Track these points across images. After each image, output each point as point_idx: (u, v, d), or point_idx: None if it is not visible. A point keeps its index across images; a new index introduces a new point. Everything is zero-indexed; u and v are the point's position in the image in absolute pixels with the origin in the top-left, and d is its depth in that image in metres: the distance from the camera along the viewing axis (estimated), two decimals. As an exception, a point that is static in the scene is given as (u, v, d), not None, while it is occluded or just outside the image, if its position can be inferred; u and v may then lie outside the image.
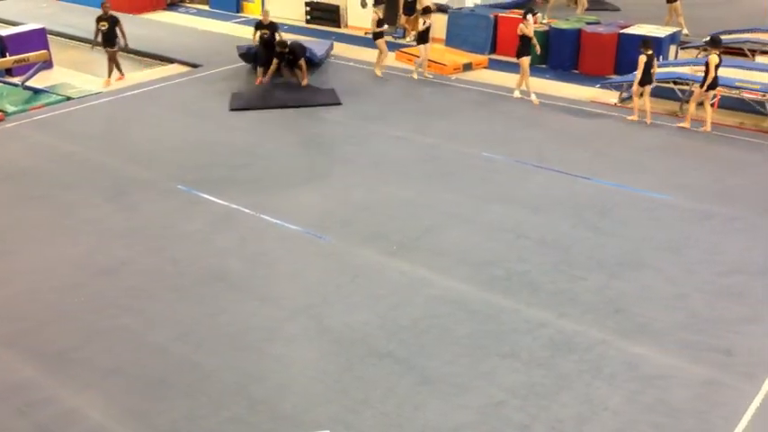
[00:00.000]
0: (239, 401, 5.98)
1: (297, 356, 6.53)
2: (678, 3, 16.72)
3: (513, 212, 9.13)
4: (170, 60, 16.20)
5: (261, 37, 14.06)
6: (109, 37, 14.13)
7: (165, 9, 21.78)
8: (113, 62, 14.40)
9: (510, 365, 6.37)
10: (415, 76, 14.56)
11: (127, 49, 14.85)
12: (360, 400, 5.98)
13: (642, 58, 11.78)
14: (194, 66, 15.70)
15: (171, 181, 10.05)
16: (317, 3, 19.60)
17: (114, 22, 14.11)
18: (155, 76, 15.12)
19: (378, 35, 14.69)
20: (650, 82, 11.98)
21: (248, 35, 15.30)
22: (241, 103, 13.23)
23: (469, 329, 6.87)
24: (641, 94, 12.07)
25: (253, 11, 20.88)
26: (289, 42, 14.09)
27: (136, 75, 15.20)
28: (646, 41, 12.10)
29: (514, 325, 6.93)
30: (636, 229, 8.68)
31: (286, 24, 19.58)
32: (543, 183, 9.99)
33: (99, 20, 14.13)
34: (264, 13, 14.54)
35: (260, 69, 14.17)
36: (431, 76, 14.66)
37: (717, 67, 11.21)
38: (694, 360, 6.41)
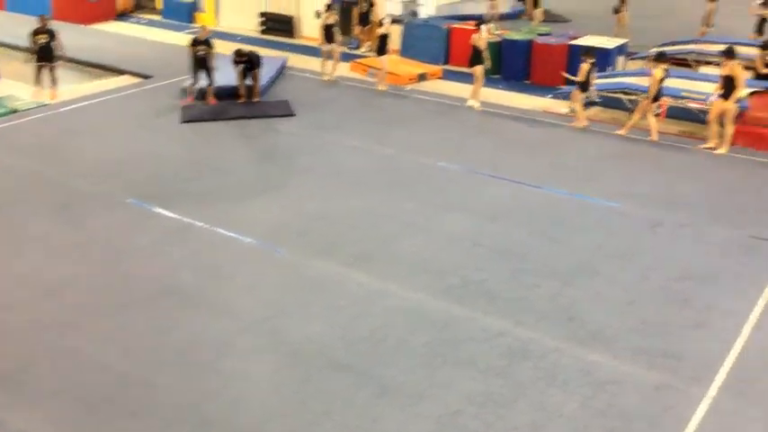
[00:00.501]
0: (191, 420, 5.88)
1: (252, 370, 6.47)
2: (624, 14, 17.11)
3: (468, 221, 9.20)
4: (120, 71, 15.94)
5: (195, 54, 13.23)
6: (47, 50, 13.67)
7: (115, 20, 21.46)
8: (52, 74, 13.97)
9: (467, 374, 6.41)
10: (381, 87, 14.59)
11: (67, 60, 14.51)
12: (318, 412, 5.95)
13: (585, 66, 12.09)
14: (145, 77, 15.48)
15: (121, 195, 9.88)
16: (272, 13, 19.55)
17: (53, 35, 13.74)
18: (104, 87, 14.86)
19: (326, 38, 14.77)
20: (587, 90, 12.40)
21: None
22: (193, 115, 13.08)
23: (427, 339, 6.89)
24: (578, 100, 12.49)
25: (206, 21, 20.70)
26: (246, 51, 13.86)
27: (84, 86, 14.93)
28: (588, 50, 12.45)
29: (471, 333, 6.97)
30: (588, 237, 8.83)
31: (240, 35, 19.52)
32: (498, 192, 10.10)
33: (36, 33, 13.57)
34: (203, 28, 13.79)
35: (190, 88, 13.56)
36: (386, 88, 14.72)
37: (661, 80, 11.51)
38: (645, 365, 6.53)
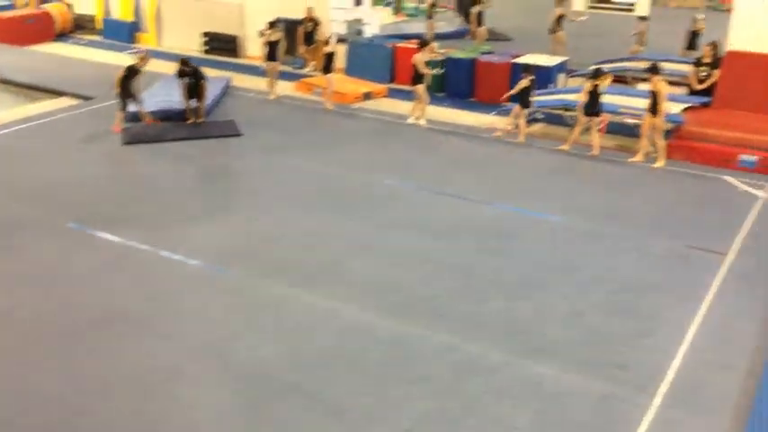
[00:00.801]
0: (142, 446, 5.76)
1: (202, 396, 6.36)
2: (560, 33, 17.57)
3: (416, 239, 9.26)
4: (59, 93, 15.62)
5: (123, 77, 12.89)
6: None
7: (53, 41, 21.03)
8: None
9: (417, 391, 6.42)
10: (329, 107, 14.62)
11: (4, 82, 14.16)
12: (268, 436, 5.88)
13: (524, 82, 12.41)
14: (86, 98, 15.20)
15: (61, 219, 9.64)
16: (215, 33, 19.42)
17: None
18: (42, 109, 14.54)
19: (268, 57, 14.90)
20: (528, 106, 12.71)
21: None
22: (135, 137, 12.87)
23: (378, 358, 6.89)
24: (518, 116, 12.79)
25: (147, 41, 20.48)
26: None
27: (22, 109, 14.58)
28: (527, 68, 12.79)
29: (421, 351, 7.00)
30: (534, 251, 8.97)
31: (183, 55, 19.32)
32: (444, 208, 10.20)
33: None
34: (141, 59, 13.30)
35: (118, 114, 13.12)
36: (333, 107, 14.76)
37: (592, 93, 11.83)
38: (592, 376, 6.65)
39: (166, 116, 13.57)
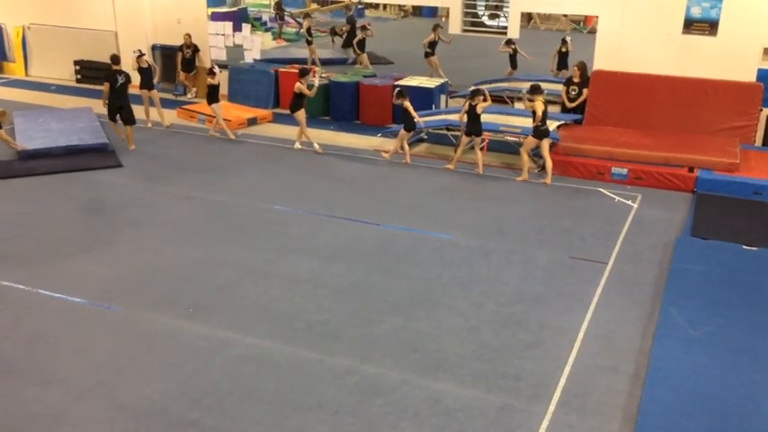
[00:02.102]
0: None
1: (90, 440, 6.02)
2: (434, 57, 18.10)
3: (308, 263, 9.19)
4: None
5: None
6: None
7: None
8: None
9: (317, 417, 6.33)
10: (232, 136, 14.35)
11: None
12: (164, 477, 5.62)
13: (408, 105, 12.70)
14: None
15: (-74, 261, 8.96)
16: (88, 61, 18.69)
17: None
18: None
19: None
20: (412, 128, 13.05)
21: (11, 97, 14.19)
22: (6, 171, 12.16)
23: (274, 386, 6.75)
24: (403, 137, 13.12)
25: (14, 71, 19.48)
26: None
27: None
28: (401, 91, 13.08)
29: (319, 375, 6.92)
30: (425, 269, 9.09)
31: (54, 84, 18.51)
32: (335, 231, 10.18)
33: None
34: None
35: None
36: (217, 134, 14.51)
37: (471, 113, 12.23)
38: (488, 389, 6.78)
39: (48, 153, 12.88)
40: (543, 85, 12.79)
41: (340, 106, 15.91)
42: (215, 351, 7.28)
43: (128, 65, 14.79)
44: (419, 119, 13.01)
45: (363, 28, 19.77)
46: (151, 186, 11.73)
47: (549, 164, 12.12)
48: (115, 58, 13.82)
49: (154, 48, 17.83)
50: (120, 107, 13.51)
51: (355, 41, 19.54)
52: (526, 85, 15.97)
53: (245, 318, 7.91)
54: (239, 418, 6.29)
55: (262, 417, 6.32)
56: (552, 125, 12.86)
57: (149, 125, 14.90)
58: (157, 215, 10.64)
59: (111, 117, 13.72)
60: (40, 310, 8.00)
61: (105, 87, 13.50)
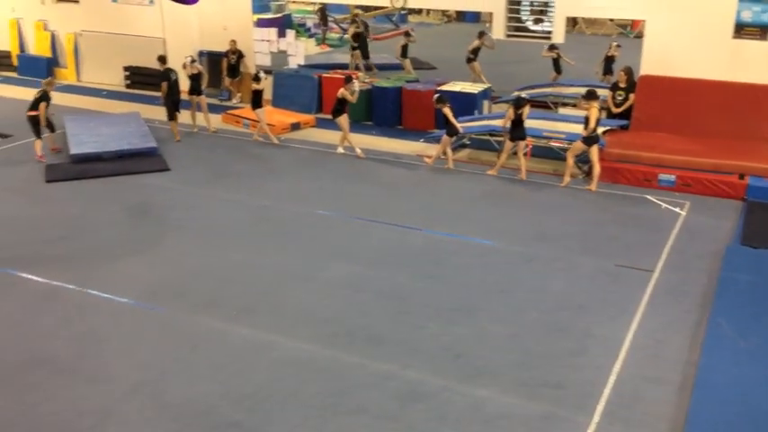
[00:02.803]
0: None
1: (135, 439, 6.13)
2: (476, 63, 18.03)
3: (350, 268, 9.22)
4: (-25, 131, 15.04)
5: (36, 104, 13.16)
6: None
7: (-35, 77, 20.30)
8: None
9: (358, 421, 6.34)
10: (275, 140, 14.53)
11: None
12: (207, 477, 5.70)
13: (447, 110, 12.70)
14: (4, 136, 14.68)
15: (-19, 261, 9.23)
16: (137, 67, 19.07)
17: None
18: (-43, 148, 13.97)
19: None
20: (455, 133, 13.01)
21: (63, 102, 14.55)
22: (58, 174, 12.48)
23: (316, 389, 6.78)
24: (446, 143, 13.09)
25: (66, 76, 19.97)
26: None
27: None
28: (440, 97, 13.15)
29: (361, 380, 6.93)
30: (467, 275, 9.05)
31: (104, 90, 18.93)
32: (377, 236, 10.20)
33: None
34: (49, 79, 14.09)
35: (37, 142, 13.28)
36: (261, 138, 14.67)
37: (514, 120, 12.14)
38: (531, 396, 6.71)
39: (99, 157, 13.19)
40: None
41: (382, 111, 15.95)
42: (258, 353, 7.35)
43: (175, 68, 15.08)
44: (458, 125, 12.96)
45: (407, 34, 19.79)
46: (196, 190, 11.91)
47: (596, 170, 11.97)
48: (163, 58, 14.74)
49: (200, 54, 18.11)
50: (176, 102, 14.44)
51: (400, 44, 19.58)
52: (570, 91, 15.90)
53: (287, 321, 7.97)
54: (281, 421, 6.33)
55: (303, 420, 6.36)
56: (598, 131, 12.69)
57: (195, 130, 15.14)
58: (202, 218, 10.80)
59: (172, 115, 14.49)
60: (88, 309, 8.18)
61: (164, 87, 14.31)
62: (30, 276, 8.85)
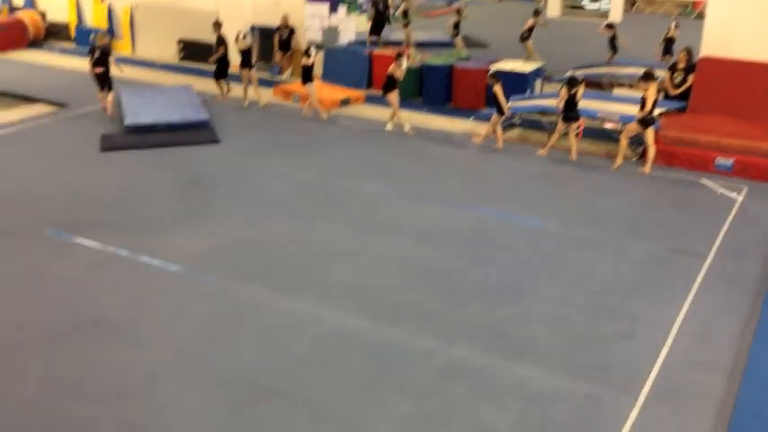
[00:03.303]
0: (122, 454, 5.65)
1: (183, 401, 6.27)
2: (530, 42, 17.76)
3: (397, 244, 9.23)
4: (33, 100, 15.42)
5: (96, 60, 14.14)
6: None
7: (26, 48, 20.77)
8: None
9: (400, 396, 6.38)
10: (325, 116, 14.58)
11: None
12: (251, 442, 5.81)
13: (498, 90, 12.53)
14: (60, 105, 15.02)
15: (39, 226, 9.49)
16: (191, 40, 19.28)
17: None
18: (15, 116, 14.33)
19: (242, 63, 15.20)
20: (504, 112, 12.83)
21: (119, 73, 14.81)
22: (113, 144, 12.74)
23: (360, 363, 6.84)
24: (496, 122, 12.96)
25: (122, 48, 20.30)
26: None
27: (-4, 116, 14.38)
28: (494, 74, 12.90)
29: (404, 355, 6.96)
30: (515, 255, 8.98)
31: (158, 62, 19.19)
32: (425, 213, 10.18)
33: None
34: (101, 34, 15.13)
35: (100, 94, 14.40)
36: (311, 113, 14.72)
37: (569, 99, 11.91)
38: (576, 377, 6.65)
39: (152, 129, 13.39)
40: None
41: (433, 89, 15.83)
42: (303, 325, 7.43)
43: (229, 47, 15.25)
44: (505, 106, 12.77)
45: (458, 11, 19.58)
46: (246, 162, 12.03)
47: (651, 152, 11.72)
48: (219, 24, 15.46)
49: (252, 28, 18.20)
50: (226, 66, 15.30)
51: (451, 21, 19.38)
52: (626, 71, 15.56)
53: (333, 294, 8.04)
54: (324, 392, 6.40)
55: (346, 391, 6.42)
56: (654, 113, 12.41)
57: (246, 104, 15.26)
58: (252, 190, 10.92)
59: (223, 75, 15.43)
60: (140, 276, 8.37)
61: (222, 49, 15.16)
62: (85, 242, 9.08)
